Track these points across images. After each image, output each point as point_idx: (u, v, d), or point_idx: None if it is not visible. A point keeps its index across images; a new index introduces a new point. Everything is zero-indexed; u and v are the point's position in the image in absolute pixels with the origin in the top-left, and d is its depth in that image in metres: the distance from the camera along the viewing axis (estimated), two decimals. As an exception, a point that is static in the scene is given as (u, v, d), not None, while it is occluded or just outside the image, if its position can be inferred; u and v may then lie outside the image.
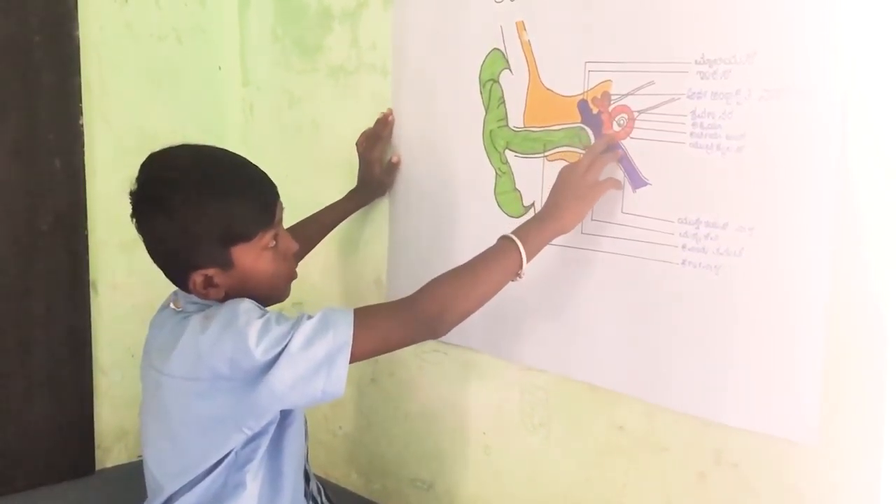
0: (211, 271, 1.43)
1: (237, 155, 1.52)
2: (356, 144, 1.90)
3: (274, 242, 1.47)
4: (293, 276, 1.55)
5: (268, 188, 1.48)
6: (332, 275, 2.08)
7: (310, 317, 1.38)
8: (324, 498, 1.68)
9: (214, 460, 1.43)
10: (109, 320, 2.09)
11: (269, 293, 1.50)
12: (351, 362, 1.37)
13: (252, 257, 1.44)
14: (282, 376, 1.34)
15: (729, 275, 1.38)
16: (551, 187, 1.50)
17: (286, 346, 1.34)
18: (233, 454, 1.44)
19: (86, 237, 2.01)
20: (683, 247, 1.43)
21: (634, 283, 1.50)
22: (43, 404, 1.98)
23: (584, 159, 1.49)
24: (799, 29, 1.28)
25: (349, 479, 2.05)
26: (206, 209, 1.41)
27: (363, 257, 2.01)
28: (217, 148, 1.52)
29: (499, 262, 1.43)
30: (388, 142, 1.90)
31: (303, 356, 1.34)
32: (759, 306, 1.35)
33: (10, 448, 1.95)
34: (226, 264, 1.43)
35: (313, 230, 1.89)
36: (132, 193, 1.46)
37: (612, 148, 1.50)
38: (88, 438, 2.06)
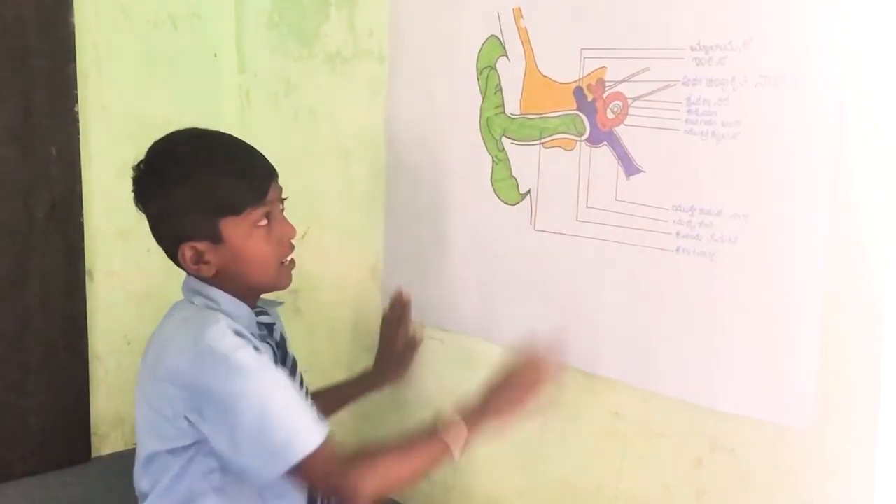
0: (201, 245, 1.46)
1: (238, 138, 1.54)
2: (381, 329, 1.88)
3: (266, 221, 1.48)
4: (289, 262, 1.54)
5: (261, 167, 1.50)
6: (328, 263, 2.08)
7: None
8: None
9: (168, 447, 1.46)
10: (105, 308, 2.09)
11: (259, 275, 1.50)
12: (274, 477, 1.38)
13: (242, 234, 1.46)
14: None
15: (723, 262, 1.38)
16: (498, 379, 1.50)
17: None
18: (194, 453, 1.45)
19: (81, 225, 2.01)
20: (678, 234, 1.43)
21: (629, 271, 1.50)
22: (39, 392, 1.98)
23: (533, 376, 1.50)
24: (796, 15, 1.28)
25: (346, 467, 2.05)
26: (196, 178, 1.45)
27: (359, 245, 2.01)
28: (219, 131, 1.55)
29: (431, 453, 1.45)
30: (408, 321, 1.86)
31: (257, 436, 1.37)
32: (754, 293, 1.35)
33: (6, 436, 1.95)
34: (215, 238, 1.46)
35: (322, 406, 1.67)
36: (135, 171, 1.50)
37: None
38: (84, 426, 2.07)
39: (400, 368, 1.86)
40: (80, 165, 1.99)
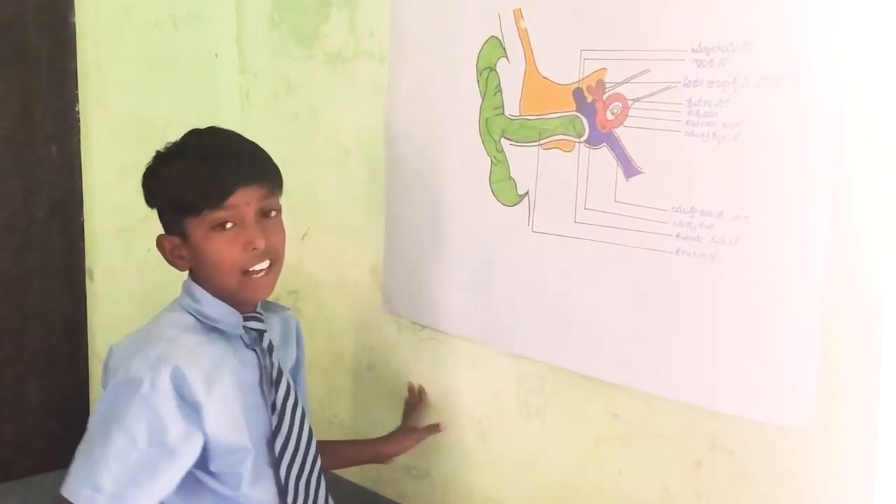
0: (175, 240, 1.50)
1: (236, 139, 1.55)
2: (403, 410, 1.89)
3: (228, 226, 1.46)
4: (259, 273, 1.49)
5: (229, 171, 1.47)
6: (329, 264, 2.08)
7: None
8: None
9: None
10: (105, 307, 2.08)
11: (220, 280, 1.49)
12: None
13: (200, 235, 1.47)
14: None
15: (724, 263, 1.38)
16: None
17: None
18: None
19: (82, 224, 2.01)
20: (677, 235, 1.42)
21: (628, 272, 1.50)
22: (39, 391, 1.98)
23: None
24: (797, 17, 1.28)
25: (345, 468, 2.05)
26: (167, 174, 1.50)
27: (359, 245, 2.01)
28: (229, 130, 1.57)
29: None
30: (426, 406, 1.87)
31: None
32: (754, 294, 1.35)
33: (6, 435, 1.95)
34: (183, 235, 1.49)
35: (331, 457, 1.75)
36: None
37: None
38: (84, 426, 2.05)
39: (410, 442, 1.83)
40: (80, 165, 1.99)
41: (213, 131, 1.56)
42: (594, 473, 1.61)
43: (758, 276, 1.34)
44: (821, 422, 1.31)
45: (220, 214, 1.46)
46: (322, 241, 2.06)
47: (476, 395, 1.80)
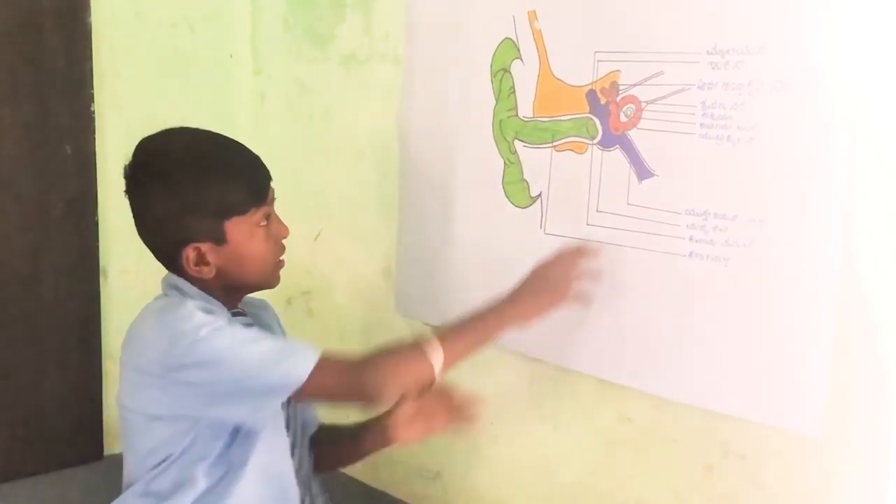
0: (204, 246, 1.46)
1: (232, 138, 1.55)
2: None
3: (265, 222, 1.50)
4: (281, 262, 1.55)
5: (261, 168, 1.52)
6: (341, 264, 2.08)
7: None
8: None
9: (164, 454, 1.46)
10: (119, 306, 2.09)
11: (258, 274, 1.52)
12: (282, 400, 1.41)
13: (245, 233, 1.47)
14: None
15: (738, 266, 1.37)
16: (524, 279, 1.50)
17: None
18: (187, 446, 1.45)
19: (96, 223, 2.02)
20: (691, 238, 1.42)
21: (640, 275, 1.49)
22: (52, 390, 1.99)
23: (562, 257, 1.51)
24: (812, 20, 1.28)
25: (355, 468, 2.05)
26: (205, 181, 1.45)
27: (372, 246, 2.01)
28: (210, 130, 1.55)
29: (418, 361, 1.43)
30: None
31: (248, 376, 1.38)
32: (768, 298, 1.34)
33: (20, 433, 1.96)
34: (219, 239, 1.46)
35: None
36: (127, 169, 1.51)
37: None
38: (97, 424, 2.07)
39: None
40: (95, 165, 2.00)
41: (207, 133, 1.53)
42: (605, 477, 1.61)
43: (771, 280, 1.34)
44: (833, 428, 1.30)
45: (263, 210, 1.49)
46: (335, 242, 2.06)
47: (488, 397, 1.79)
